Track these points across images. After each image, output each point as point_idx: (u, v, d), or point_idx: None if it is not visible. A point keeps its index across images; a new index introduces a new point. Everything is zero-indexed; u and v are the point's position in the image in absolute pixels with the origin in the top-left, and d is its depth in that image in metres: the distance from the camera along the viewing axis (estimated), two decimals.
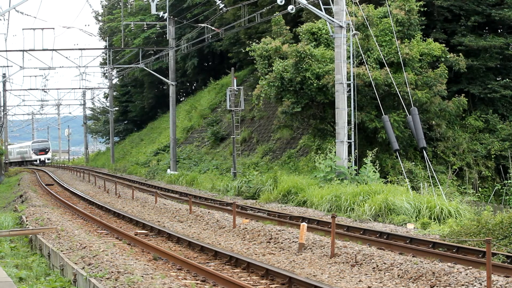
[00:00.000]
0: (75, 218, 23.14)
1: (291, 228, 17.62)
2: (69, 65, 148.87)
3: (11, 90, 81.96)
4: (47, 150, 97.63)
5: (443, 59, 29.79)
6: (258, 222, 19.51)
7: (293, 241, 15.81)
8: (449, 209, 19.33)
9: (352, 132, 26.55)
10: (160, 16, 45.42)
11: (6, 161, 71.85)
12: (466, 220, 17.52)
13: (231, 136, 37.97)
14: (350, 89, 26.53)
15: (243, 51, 39.53)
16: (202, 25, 43.76)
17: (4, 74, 69.30)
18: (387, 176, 26.71)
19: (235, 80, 36.45)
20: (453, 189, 26.51)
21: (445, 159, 31.88)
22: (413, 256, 13.70)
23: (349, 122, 26.61)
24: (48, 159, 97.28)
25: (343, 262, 13.68)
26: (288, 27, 32.90)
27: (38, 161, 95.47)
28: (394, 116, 28.44)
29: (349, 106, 26.60)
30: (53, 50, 49.62)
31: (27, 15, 58.39)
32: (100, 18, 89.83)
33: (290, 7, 27.97)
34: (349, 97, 26.58)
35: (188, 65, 65.12)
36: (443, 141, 32.33)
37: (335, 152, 26.36)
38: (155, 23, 58.32)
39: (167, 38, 49.12)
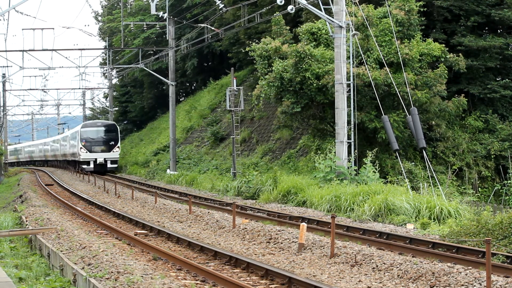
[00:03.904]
0: (75, 218, 23.14)
1: (291, 228, 17.62)
2: (69, 65, 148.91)
3: (11, 90, 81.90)
4: (113, 143, 55.64)
5: (442, 59, 29.80)
6: (257, 222, 19.51)
7: (293, 241, 15.81)
8: (449, 209, 19.34)
9: (352, 132, 26.56)
10: (160, 16, 45.46)
11: (6, 161, 71.66)
12: (465, 220, 17.53)
13: (231, 136, 37.95)
14: (349, 89, 26.54)
15: (243, 51, 39.54)
16: (202, 25, 43.77)
17: (4, 74, 69.27)
18: (387, 176, 26.72)
19: (234, 80, 36.45)
20: (452, 189, 26.53)
21: (444, 159, 31.89)
22: (412, 256, 13.70)
23: (348, 122, 26.61)
24: (114, 162, 55.61)
25: (343, 262, 13.68)
26: (288, 27, 32.91)
27: (92, 165, 54.25)
28: (394, 116, 28.45)
29: (348, 106, 26.61)
30: (53, 50, 49.67)
31: (27, 15, 58.31)
32: (99, 18, 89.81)
33: (289, 7, 27.97)
34: (348, 97, 26.59)
35: (187, 65, 65.11)
36: (442, 141, 32.34)
37: (334, 152, 26.37)
38: (155, 23, 58.32)
39: (167, 38, 49.13)
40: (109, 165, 54.90)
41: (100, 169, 54.21)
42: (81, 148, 54.79)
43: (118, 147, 56.14)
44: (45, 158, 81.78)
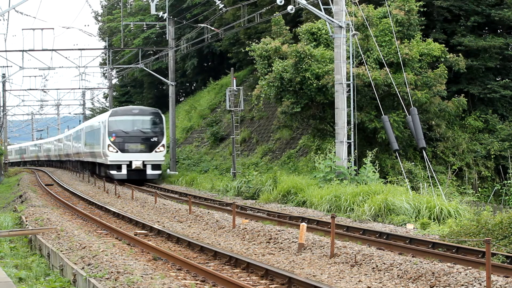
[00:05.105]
0: (75, 218, 23.13)
1: (291, 228, 17.62)
2: (69, 65, 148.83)
3: (10, 90, 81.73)
4: (156, 140, 39.34)
5: (442, 59, 29.81)
6: (257, 222, 19.52)
7: (293, 241, 15.81)
8: (449, 209, 19.35)
9: (352, 132, 26.57)
10: (160, 16, 45.49)
11: (6, 161, 71.44)
12: (465, 220, 17.54)
13: (231, 136, 37.92)
14: (349, 89, 26.55)
15: (243, 50, 39.55)
16: (202, 25, 43.78)
17: (3, 74, 69.24)
18: (387, 176, 26.73)
19: (234, 80, 36.45)
20: (452, 189, 26.53)
21: (444, 159, 31.90)
22: (412, 256, 13.70)
23: (348, 122, 26.63)
24: (156, 167, 39.15)
25: (343, 262, 13.68)
26: (287, 27, 32.92)
27: (124, 171, 38.48)
28: (394, 116, 28.46)
29: (348, 106, 26.62)
30: (52, 50, 49.64)
31: (27, 15, 58.45)
32: (99, 18, 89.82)
33: (289, 7, 27.98)
34: (348, 97, 26.60)
35: (187, 65, 65.14)
36: (442, 141, 32.35)
37: (334, 152, 26.38)
38: (155, 23, 58.34)
39: (167, 38, 49.13)
40: (149, 171, 38.40)
41: (137, 177, 38.32)
42: (109, 145, 38.54)
43: (163, 145, 39.44)
44: (59, 158, 71.43)
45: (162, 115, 40.60)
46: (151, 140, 39.16)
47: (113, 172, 38.59)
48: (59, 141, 70.19)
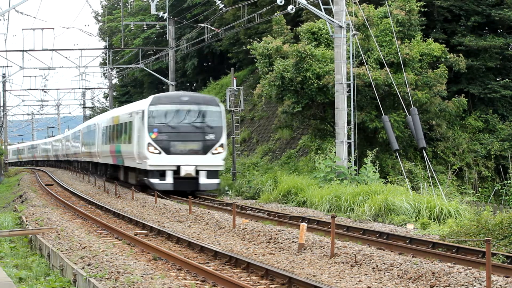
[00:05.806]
0: (75, 218, 23.13)
1: (291, 228, 17.62)
2: (69, 65, 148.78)
3: (11, 90, 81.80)
4: (213, 137, 29.24)
5: (443, 59, 29.82)
6: (258, 222, 19.51)
7: (293, 241, 15.81)
8: (449, 209, 19.36)
9: (352, 132, 26.57)
10: (160, 16, 45.55)
11: (6, 161, 71.27)
12: (465, 220, 17.55)
13: (231, 136, 37.90)
14: (350, 89, 26.55)
15: (244, 48, 39.56)
16: (202, 25, 43.82)
17: (4, 74, 69.22)
18: (387, 176, 26.74)
19: (234, 80, 36.44)
20: (453, 189, 26.55)
21: (445, 159, 31.91)
22: (413, 256, 13.70)
23: (349, 122, 26.64)
24: (213, 175, 28.95)
25: (343, 262, 13.68)
26: (288, 27, 32.95)
27: (169, 179, 28.68)
28: (394, 116, 28.47)
29: (349, 106, 26.63)
30: (53, 50, 49.73)
31: (27, 15, 58.46)
32: (99, 18, 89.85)
33: (290, 7, 28.00)
34: (349, 97, 26.61)
35: (188, 65, 65.15)
36: (443, 141, 32.36)
37: (335, 152, 26.39)
38: (155, 23, 58.37)
39: (167, 38, 49.18)
40: (203, 179, 28.90)
41: (186, 187, 29.24)
42: (149, 144, 29.15)
43: (223, 145, 29.78)
44: (66, 158, 64.12)
45: (221, 105, 30.70)
46: (207, 138, 29.44)
47: (154, 180, 29.18)
48: (66, 139, 62.71)
